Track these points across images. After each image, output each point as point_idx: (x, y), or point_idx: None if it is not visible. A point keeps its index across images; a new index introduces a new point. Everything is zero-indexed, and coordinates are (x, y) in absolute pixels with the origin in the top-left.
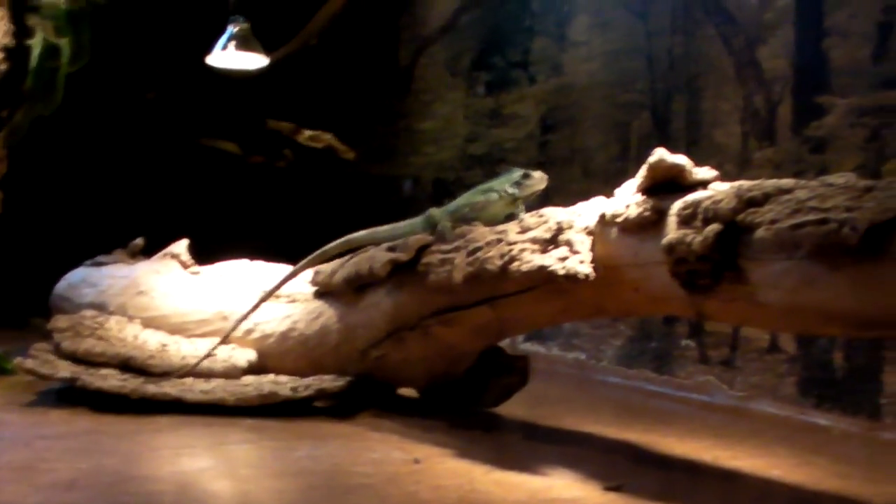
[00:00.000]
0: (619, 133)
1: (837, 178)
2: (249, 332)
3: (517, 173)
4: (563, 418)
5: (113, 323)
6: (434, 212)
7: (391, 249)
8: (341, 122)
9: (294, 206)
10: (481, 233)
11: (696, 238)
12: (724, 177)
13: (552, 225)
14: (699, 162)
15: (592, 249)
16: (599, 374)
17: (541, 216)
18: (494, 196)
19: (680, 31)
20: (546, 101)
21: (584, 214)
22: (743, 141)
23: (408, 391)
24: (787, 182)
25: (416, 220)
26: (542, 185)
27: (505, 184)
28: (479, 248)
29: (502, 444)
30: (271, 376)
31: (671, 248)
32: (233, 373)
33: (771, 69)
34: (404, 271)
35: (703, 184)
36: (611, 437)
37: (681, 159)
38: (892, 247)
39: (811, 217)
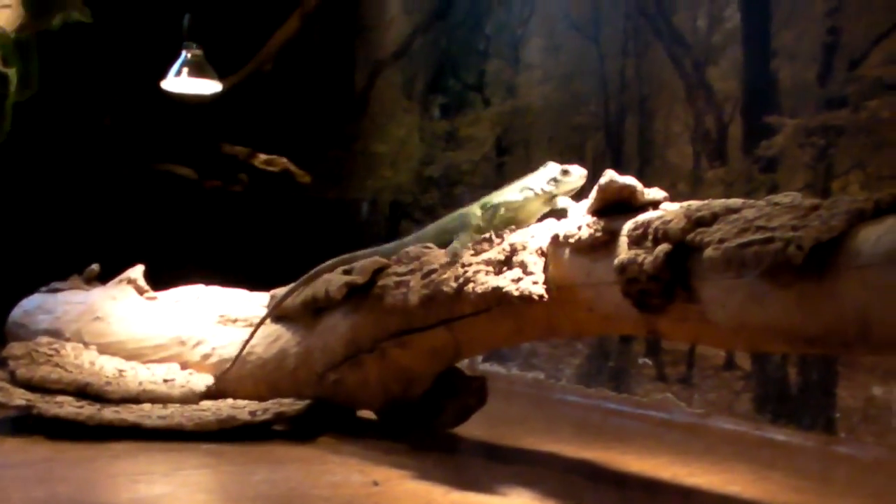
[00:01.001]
0: (573, 154)
1: (784, 198)
2: (207, 356)
3: (555, 169)
4: (523, 438)
5: (69, 349)
6: (469, 211)
7: (347, 273)
8: (297, 146)
9: (250, 230)
10: (436, 255)
11: (647, 258)
12: (677, 196)
13: (506, 247)
14: (652, 182)
15: (546, 270)
16: (558, 393)
17: (495, 238)
18: (531, 194)
19: (631, 53)
20: (501, 124)
21: (537, 236)
22: (695, 161)
23: (368, 413)
24: (735, 202)
25: (444, 222)
26: (581, 183)
27: (541, 181)
28: (434, 271)
29: (461, 465)
30: (230, 401)
31: (623, 268)
32: (191, 398)
33: (721, 90)
34: (361, 294)
35: (654, 204)
36: (569, 456)
37: (630, 180)
38: (836, 265)
39: (758, 236)
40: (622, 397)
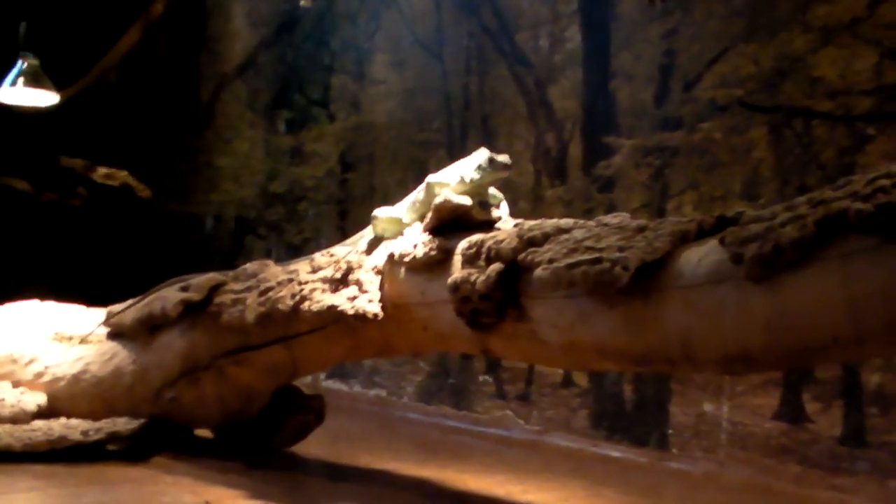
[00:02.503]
0: (416, 170)
1: (612, 219)
2: (40, 375)
3: (482, 156)
4: (362, 456)
5: None
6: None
7: (184, 289)
8: (138, 160)
9: (89, 245)
10: (273, 272)
11: (480, 277)
12: (519, 214)
13: (343, 265)
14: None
15: (382, 289)
16: (400, 411)
17: (331, 255)
18: (459, 179)
19: (475, 71)
20: (345, 139)
21: (374, 254)
22: (536, 179)
23: (206, 432)
24: (566, 222)
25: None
26: (504, 174)
27: (470, 168)
28: (270, 288)
29: (297, 484)
30: (62, 420)
31: (456, 287)
32: (21, 417)
33: (562, 109)
34: (197, 311)
35: (489, 224)
36: (407, 475)
37: (465, 199)
38: (660, 285)
39: (586, 256)
40: (462, 414)
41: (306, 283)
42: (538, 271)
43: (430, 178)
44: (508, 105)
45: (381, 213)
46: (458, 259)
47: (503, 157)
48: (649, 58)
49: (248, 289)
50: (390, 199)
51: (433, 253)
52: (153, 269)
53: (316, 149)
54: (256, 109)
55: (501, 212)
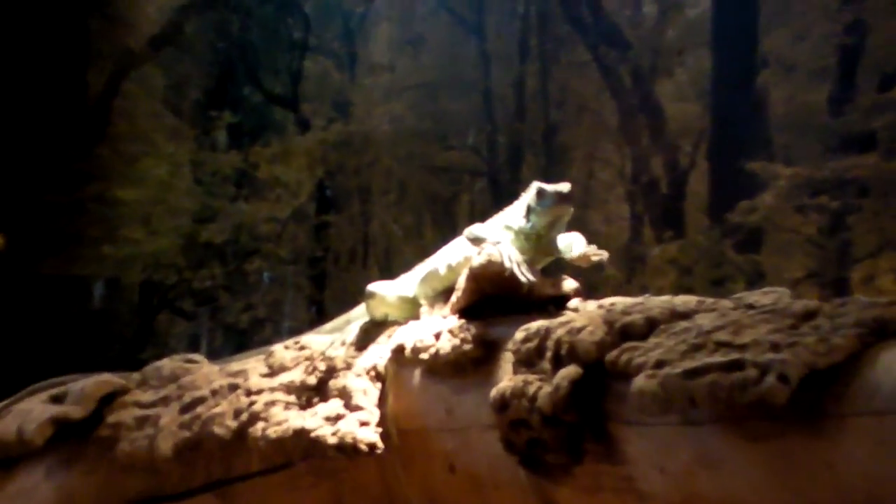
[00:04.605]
0: (438, 213)
1: (761, 297)
2: None
3: (531, 192)
4: None
5: None
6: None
7: (56, 399)
8: None
9: None
10: (205, 375)
11: (543, 389)
12: (600, 284)
13: (320, 364)
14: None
15: (382, 404)
16: None
17: (301, 348)
18: (508, 235)
19: (534, 54)
20: (326, 160)
21: (370, 349)
22: (632, 229)
23: None
24: (683, 302)
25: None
26: (563, 213)
27: (518, 213)
28: (200, 400)
29: None
30: None
31: (504, 404)
32: None
33: (677, 117)
34: (79, 436)
35: (557, 301)
36: None
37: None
38: (840, 408)
39: (718, 358)
40: None
41: (259, 392)
42: (639, 381)
43: (467, 231)
44: (588, 110)
45: (380, 287)
46: (506, 358)
47: (559, 186)
48: (821, 36)
49: (164, 401)
50: (396, 261)
51: (467, 347)
52: (8, 366)
53: (278, 174)
54: (180, 109)
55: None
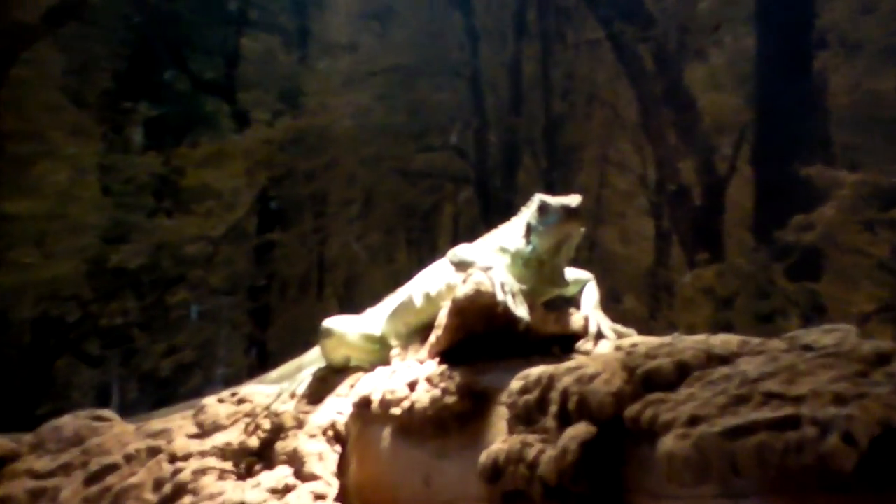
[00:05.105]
0: (413, 230)
1: (823, 336)
2: None
3: (532, 206)
4: None
5: None
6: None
7: None
8: None
9: None
10: (117, 436)
11: (547, 452)
12: (624, 318)
13: (264, 422)
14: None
15: (343, 472)
16: None
17: (240, 401)
18: (504, 259)
19: (534, 31)
20: (271, 163)
21: (326, 402)
22: (658, 250)
23: None
24: (724, 342)
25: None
26: (572, 230)
27: (516, 233)
28: (111, 468)
29: None
30: None
31: (497, 472)
32: None
33: (713, 109)
34: None
35: (563, 341)
36: None
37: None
38: None
39: (767, 414)
40: None
41: (187, 457)
42: (668, 441)
43: (450, 254)
44: (601, 101)
45: (340, 323)
46: (499, 413)
47: (566, 199)
48: (892, 10)
49: (65, 469)
50: (360, 290)
51: (450, 400)
52: None
53: (210, 181)
54: (85, 100)
55: (587, 311)
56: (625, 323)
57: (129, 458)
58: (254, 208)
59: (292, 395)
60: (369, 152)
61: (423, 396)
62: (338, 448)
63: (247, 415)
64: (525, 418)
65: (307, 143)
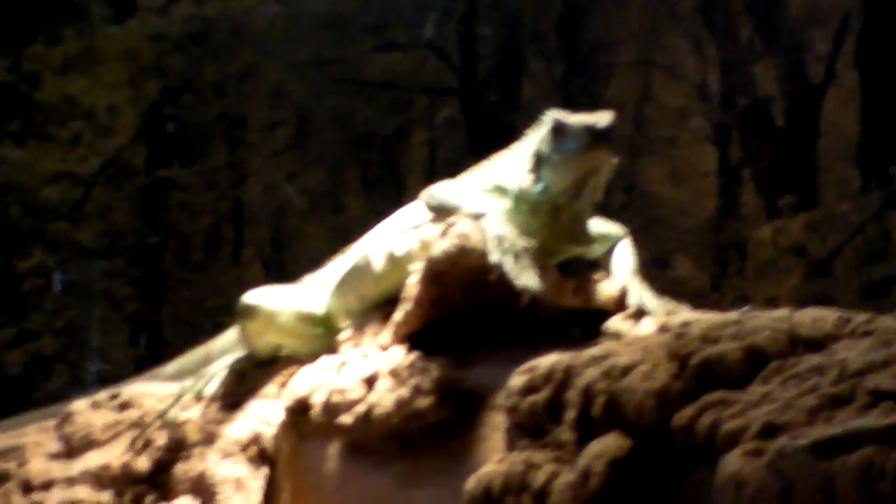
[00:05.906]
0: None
1: None
2: None
3: (545, 126)
4: None
5: None
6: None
7: None
8: None
9: None
10: None
11: (563, 477)
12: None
13: (156, 434)
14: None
15: (271, 503)
16: None
17: (122, 407)
18: (501, 206)
19: None
20: (164, 72)
21: (246, 406)
22: (723, 192)
23: None
24: (815, 320)
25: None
26: (602, 156)
27: (522, 166)
28: None
29: None
30: None
31: (489, 502)
32: None
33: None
34: None
35: (585, 320)
36: None
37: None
38: None
39: (874, 421)
40: None
41: (48, 486)
42: (734, 460)
43: (425, 194)
44: None
45: (266, 298)
46: (492, 422)
47: (592, 118)
48: None
49: None
50: (295, 251)
51: (423, 402)
52: None
53: (76, 94)
54: None
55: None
56: (676, 296)
57: None
58: (140, 134)
59: (198, 398)
60: (304, 54)
61: (384, 398)
62: (264, 471)
63: (133, 425)
64: (530, 428)
65: (216, 41)
